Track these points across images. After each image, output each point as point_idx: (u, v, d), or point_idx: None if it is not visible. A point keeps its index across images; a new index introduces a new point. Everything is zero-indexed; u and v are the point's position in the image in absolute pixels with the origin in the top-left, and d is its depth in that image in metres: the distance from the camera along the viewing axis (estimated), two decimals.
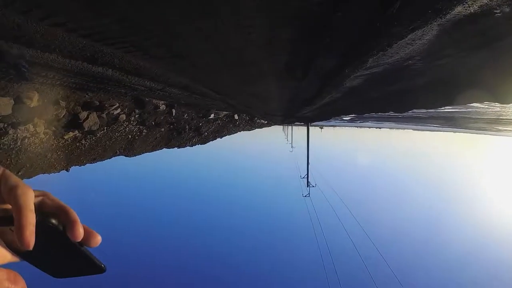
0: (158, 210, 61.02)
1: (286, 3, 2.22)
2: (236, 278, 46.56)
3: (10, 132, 3.92)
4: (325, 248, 30.92)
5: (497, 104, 15.98)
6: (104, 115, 5.41)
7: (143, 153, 8.51)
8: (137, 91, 5.30)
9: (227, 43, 3.05)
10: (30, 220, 0.43)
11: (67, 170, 5.83)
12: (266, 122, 27.26)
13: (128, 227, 52.59)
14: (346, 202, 29.91)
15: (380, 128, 78.23)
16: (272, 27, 2.65)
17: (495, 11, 2.17)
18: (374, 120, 48.29)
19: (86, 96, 4.84)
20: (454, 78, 4.15)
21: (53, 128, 4.59)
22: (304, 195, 27.55)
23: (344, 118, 37.61)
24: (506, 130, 27.92)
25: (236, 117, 14.81)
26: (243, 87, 6.31)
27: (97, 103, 5.07)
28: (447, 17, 2.21)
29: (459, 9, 2.11)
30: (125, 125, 6.34)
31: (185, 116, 9.13)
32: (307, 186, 26.95)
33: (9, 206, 0.45)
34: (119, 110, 5.78)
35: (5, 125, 3.84)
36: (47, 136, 4.53)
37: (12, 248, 0.46)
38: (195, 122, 10.39)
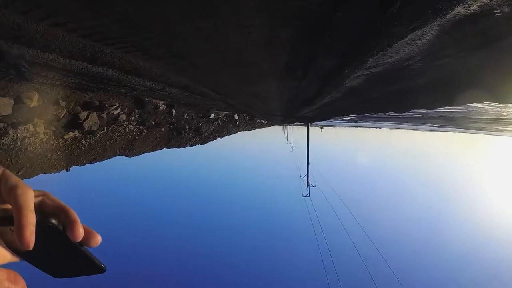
0: (158, 210, 61.09)
1: (286, 3, 2.22)
2: (236, 278, 46.60)
3: (10, 132, 3.92)
4: (325, 248, 30.93)
5: (497, 104, 15.98)
6: (104, 115, 5.41)
7: (143, 153, 8.51)
8: (137, 91, 5.30)
9: (227, 43, 3.04)
10: (30, 220, 0.43)
11: (67, 170, 5.83)
12: (266, 122, 27.26)
13: (128, 227, 52.62)
14: (346, 202, 29.95)
15: (380, 128, 78.25)
16: (272, 27, 2.65)
17: (495, 11, 2.17)
18: (374, 120, 48.29)
19: (86, 96, 4.84)
20: (454, 78, 4.15)
21: (53, 128, 4.59)
22: (304, 195, 27.60)
23: (344, 118, 37.61)
24: (506, 130, 27.92)
25: (236, 117, 14.81)
26: (243, 87, 6.31)
27: (97, 103, 5.07)
28: (447, 17, 2.21)
29: (459, 9, 2.11)
30: (125, 125, 6.34)
31: (185, 116, 9.13)
32: (307, 186, 26.98)
33: (9, 206, 0.45)
34: (119, 110, 5.77)
35: (5, 125, 3.84)
36: (47, 136, 4.52)
37: (12, 248, 0.46)
38: (195, 122, 10.39)
